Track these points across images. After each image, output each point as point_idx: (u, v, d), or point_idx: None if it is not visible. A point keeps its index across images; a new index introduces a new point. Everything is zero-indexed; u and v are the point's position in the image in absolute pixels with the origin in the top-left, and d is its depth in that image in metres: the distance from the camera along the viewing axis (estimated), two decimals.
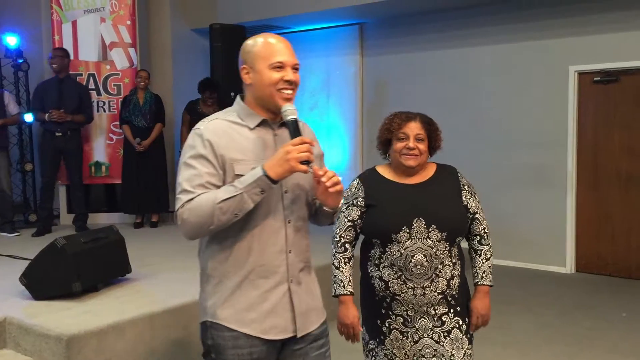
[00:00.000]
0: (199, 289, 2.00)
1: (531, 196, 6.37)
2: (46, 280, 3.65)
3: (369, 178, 2.46)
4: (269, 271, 1.90)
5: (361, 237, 2.50)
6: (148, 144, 6.47)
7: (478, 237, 2.46)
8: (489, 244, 2.46)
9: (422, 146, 2.38)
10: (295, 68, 1.90)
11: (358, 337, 2.42)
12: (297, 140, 1.80)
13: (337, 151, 7.71)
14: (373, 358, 2.45)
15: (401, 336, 2.35)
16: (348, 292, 2.39)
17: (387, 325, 2.38)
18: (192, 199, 1.79)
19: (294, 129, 1.85)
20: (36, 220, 6.54)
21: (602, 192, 6.06)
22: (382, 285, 2.36)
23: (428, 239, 2.30)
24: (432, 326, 2.34)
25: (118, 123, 6.69)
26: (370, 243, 2.43)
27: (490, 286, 2.44)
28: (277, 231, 1.90)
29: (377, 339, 2.41)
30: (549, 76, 6.25)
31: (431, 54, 7.02)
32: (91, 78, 6.90)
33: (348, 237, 2.44)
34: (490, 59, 6.62)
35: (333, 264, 2.44)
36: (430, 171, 2.45)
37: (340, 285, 2.40)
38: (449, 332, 2.34)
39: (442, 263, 2.33)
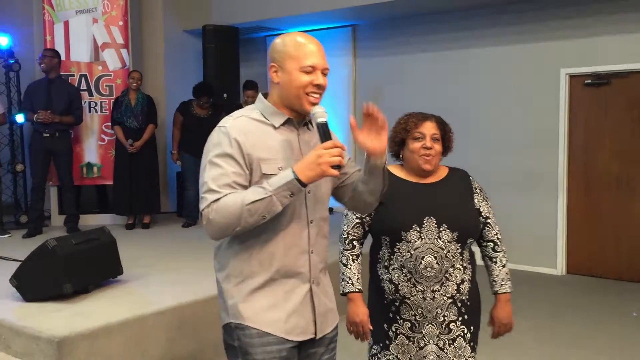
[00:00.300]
0: (217, 288, 1.95)
1: (522, 198, 6.40)
2: (37, 282, 3.63)
3: None
4: (292, 271, 1.88)
5: (370, 240, 2.46)
6: (140, 145, 6.45)
7: (492, 243, 2.44)
8: (503, 250, 2.45)
9: (438, 146, 2.38)
10: (324, 72, 1.88)
11: (368, 336, 2.38)
12: (328, 144, 1.77)
13: None
14: None
15: (407, 341, 2.33)
16: (357, 290, 2.36)
17: (393, 329, 2.35)
18: (218, 199, 1.74)
19: (325, 132, 1.82)
20: (27, 221, 6.49)
21: (593, 194, 6.10)
22: (392, 288, 2.33)
23: (439, 239, 2.28)
24: (439, 333, 2.31)
25: (110, 124, 6.66)
26: (378, 243, 2.39)
27: (510, 292, 2.44)
28: (301, 231, 1.89)
29: (381, 344, 2.38)
30: (540, 79, 6.27)
31: (423, 56, 7.04)
32: (83, 79, 6.87)
33: (356, 235, 2.41)
34: (481, 61, 6.64)
35: (341, 262, 2.41)
36: (442, 173, 2.45)
37: (348, 283, 2.37)
38: (454, 340, 2.32)
39: (452, 266, 2.30)
